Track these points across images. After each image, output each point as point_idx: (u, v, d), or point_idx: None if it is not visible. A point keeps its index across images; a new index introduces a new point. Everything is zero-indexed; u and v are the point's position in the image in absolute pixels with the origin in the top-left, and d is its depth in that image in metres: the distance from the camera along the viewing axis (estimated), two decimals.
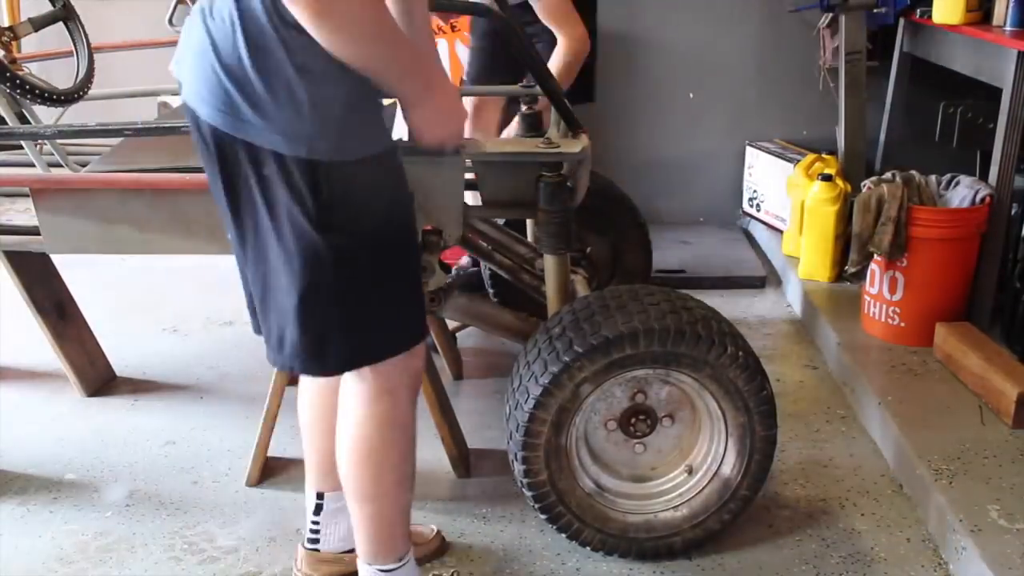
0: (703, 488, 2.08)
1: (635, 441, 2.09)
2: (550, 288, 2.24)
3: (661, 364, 1.95)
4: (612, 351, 1.91)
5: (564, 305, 2.11)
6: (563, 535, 2.07)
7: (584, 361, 1.92)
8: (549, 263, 2.22)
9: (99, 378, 2.89)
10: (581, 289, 2.44)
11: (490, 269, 2.97)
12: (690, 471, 2.10)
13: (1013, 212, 2.91)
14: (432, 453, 2.43)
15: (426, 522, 2.23)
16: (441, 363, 2.87)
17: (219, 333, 3.28)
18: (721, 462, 2.06)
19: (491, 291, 3.02)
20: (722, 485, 2.06)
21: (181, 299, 3.56)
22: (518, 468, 2.01)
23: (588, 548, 2.08)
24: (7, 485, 2.39)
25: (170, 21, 3.97)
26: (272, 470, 2.45)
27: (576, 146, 2.16)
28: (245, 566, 2.09)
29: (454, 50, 3.73)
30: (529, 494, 2.03)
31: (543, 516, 2.06)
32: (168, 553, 2.13)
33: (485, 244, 2.53)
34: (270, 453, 2.43)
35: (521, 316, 2.37)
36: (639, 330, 1.91)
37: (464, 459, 2.43)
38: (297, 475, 2.43)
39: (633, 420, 2.07)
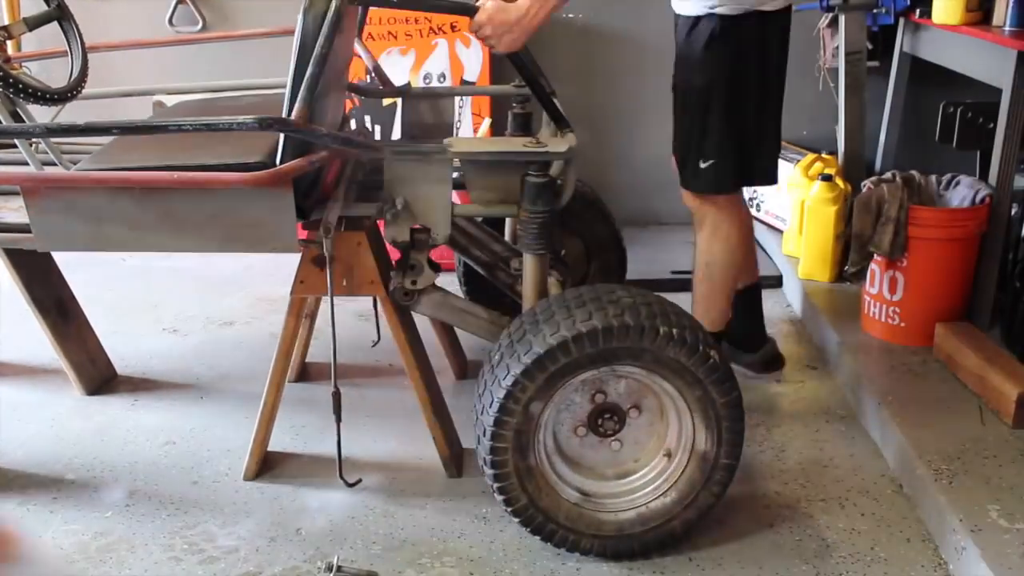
0: (684, 468, 2.08)
1: (610, 440, 2.09)
2: (527, 288, 2.25)
3: (602, 363, 1.96)
4: (548, 365, 1.92)
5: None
6: (562, 549, 2.08)
7: (524, 382, 1.93)
8: (528, 263, 2.22)
9: (99, 376, 2.89)
10: (554, 290, 2.44)
11: (464, 266, 2.98)
12: (669, 454, 2.10)
13: (1013, 212, 2.91)
14: (432, 452, 2.43)
15: (425, 522, 2.23)
16: (442, 363, 2.87)
17: (219, 333, 3.28)
18: (694, 438, 2.06)
19: (463, 288, 3.03)
20: (701, 460, 2.06)
21: (181, 299, 3.56)
22: (498, 498, 2.03)
23: (591, 555, 2.08)
24: (7, 485, 2.39)
25: (170, 21, 3.98)
26: (271, 465, 2.45)
27: (563, 145, 2.16)
28: (245, 566, 2.09)
29: (454, 50, 3.73)
30: (516, 520, 2.05)
31: (536, 537, 2.07)
32: (168, 553, 2.13)
33: (463, 239, 2.54)
34: (269, 448, 2.44)
35: (494, 314, 2.37)
36: (567, 338, 1.92)
37: (456, 459, 2.43)
38: (297, 471, 2.44)
39: (600, 420, 2.07)
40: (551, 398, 1.98)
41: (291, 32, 1.98)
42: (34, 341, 3.11)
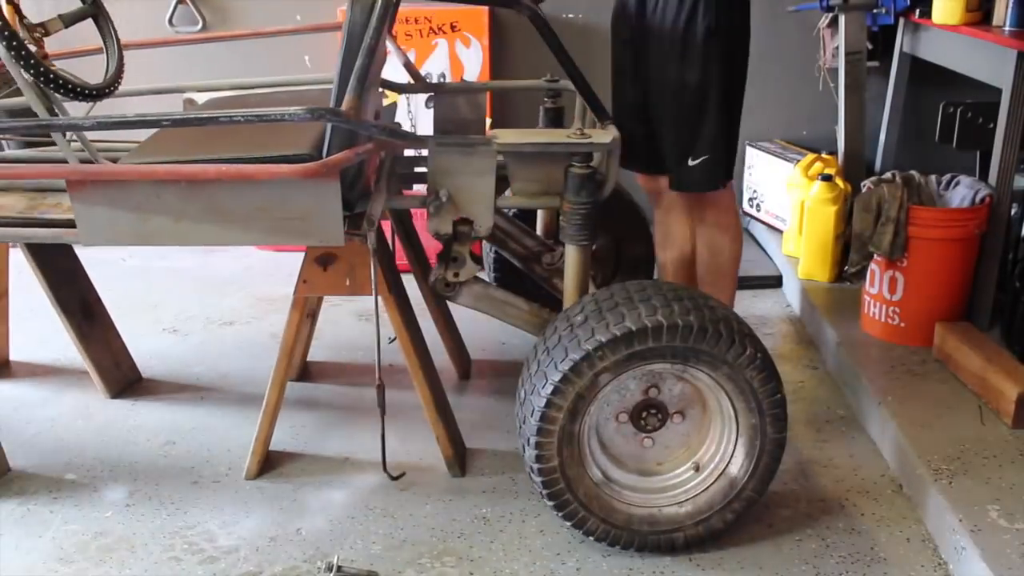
0: (709, 486, 2.09)
1: (644, 435, 2.10)
2: (569, 279, 2.25)
3: (680, 360, 1.97)
4: (634, 343, 1.93)
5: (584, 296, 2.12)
6: (568, 523, 2.08)
7: (605, 351, 1.93)
8: (571, 254, 2.23)
9: (124, 379, 2.89)
10: None
11: (495, 260, 2.98)
12: (697, 468, 2.10)
13: (1013, 212, 2.91)
14: (433, 452, 2.43)
15: (425, 522, 2.23)
16: (446, 363, 2.86)
17: (219, 333, 3.28)
18: (729, 461, 2.07)
19: (494, 278, 3.03)
20: (728, 484, 2.07)
21: (181, 299, 3.56)
22: (530, 453, 2.02)
23: (591, 538, 2.09)
24: (7, 485, 2.39)
25: (170, 21, 3.97)
26: (271, 465, 2.45)
27: (607, 136, 2.17)
28: (245, 566, 2.09)
29: (454, 50, 3.73)
30: (539, 479, 2.04)
31: (550, 503, 2.06)
32: (168, 553, 2.13)
33: (500, 233, 2.54)
34: (270, 447, 2.44)
35: (535, 306, 2.38)
36: (663, 324, 1.92)
37: (460, 459, 2.43)
38: (297, 471, 2.44)
39: (644, 414, 2.08)
40: (620, 375, 1.99)
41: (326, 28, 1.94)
42: (36, 340, 3.12)
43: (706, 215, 2.64)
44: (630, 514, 2.09)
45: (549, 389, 1.96)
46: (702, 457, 2.11)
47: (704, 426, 2.11)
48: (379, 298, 2.38)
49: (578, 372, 1.94)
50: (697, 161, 2.52)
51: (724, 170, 2.58)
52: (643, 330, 1.92)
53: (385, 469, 2.28)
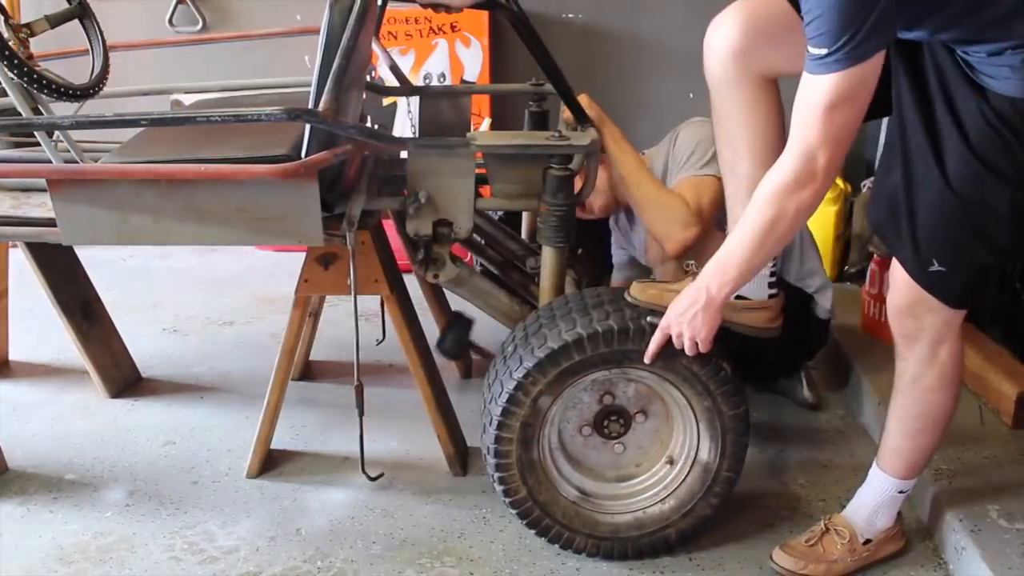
0: (685, 476, 2.08)
1: (613, 442, 2.10)
2: (544, 280, 2.25)
3: (614, 364, 1.96)
4: (561, 360, 1.93)
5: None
6: (555, 545, 2.08)
7: (535, 375, 1.94)
8: (547, 255, 2.23)
9: (124, 379, 2.89)
10: (569, 289, 2.45)
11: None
12: (671, 462, 2.10)
13: None
14: (432, 452, 2.43)
15: (425, 522, 2.23)
16: (445, 361, 2.86)
17: (219, 333, 3.28)
18: (697, 448, 2.06)
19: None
20: (703, 470, 2.06)
21: (181, 299, 3.56)
22: (498, 488, 2.04)
23: (584, 554, 2.09)
24: (7, 485, 2.39)
25: (170, 21, 3.98)
26: (271, 464, 2.45)
27: (585, 139, 2.17)
28: (245, 566, 2.09)
29: (454, 50, 3.73)
30: (513, 512, 2.05)
31: (531, 531, 2.07)
32: (168, 553, 2.13)
33: (478, 238, 2.54)
34: (271, 447, 2.44)
35: (517, 301, 2.38)
36: (582, 335, 1.92)
37: (461, 457, 2.44)
38: (298, 471, 2.44)
39: (606, 422, 2.08)
40: (561, 394, 1.99)
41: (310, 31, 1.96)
42: (35, 340, 3.12)
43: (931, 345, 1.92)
44: (616, 523, 2.08)
45: (495, 425, 1.98)
46: (673, 450, 2.11)
47: (668, 419, 2.10)
48: (379, 297, 2.39)
49: (516, 402, 1.95)
50: (935, 268, 1.85)
51: (964, 295, 1.86)
52: (565, 346, 1.92)
53: (363, 470, 2.29)
